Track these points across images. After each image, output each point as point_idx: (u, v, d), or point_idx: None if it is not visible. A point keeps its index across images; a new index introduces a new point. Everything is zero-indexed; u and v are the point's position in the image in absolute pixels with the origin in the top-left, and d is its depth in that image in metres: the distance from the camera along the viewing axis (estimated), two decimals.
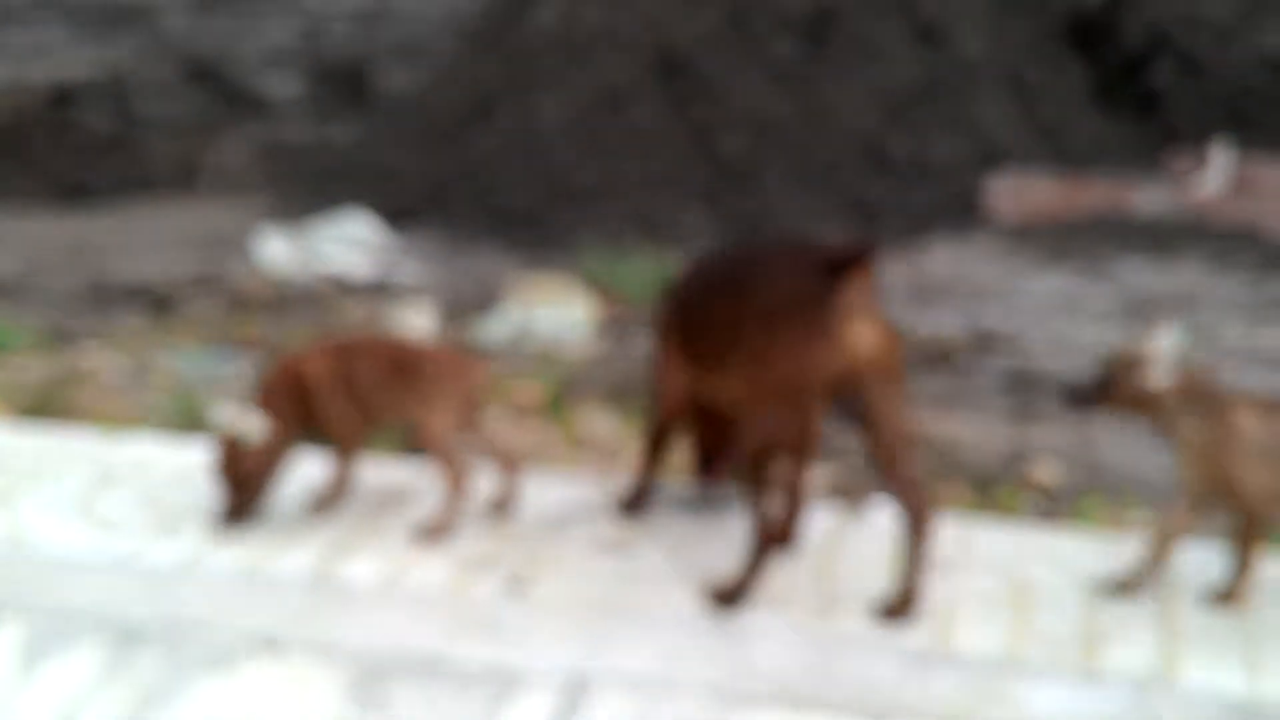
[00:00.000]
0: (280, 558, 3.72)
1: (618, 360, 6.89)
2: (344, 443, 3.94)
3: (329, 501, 3.99)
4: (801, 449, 3.46)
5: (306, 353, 3.96)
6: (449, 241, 9.83)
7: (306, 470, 4.18)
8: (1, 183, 11.00)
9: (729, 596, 3.47)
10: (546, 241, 9.82)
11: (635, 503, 4.05)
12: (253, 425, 3.78)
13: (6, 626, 3.46)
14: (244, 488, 3.84)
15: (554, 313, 7.66)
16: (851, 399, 3.36)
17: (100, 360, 6.04)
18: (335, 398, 3.84)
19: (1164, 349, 3.42)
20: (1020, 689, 3.13)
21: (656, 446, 3.99)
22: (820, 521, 4.01)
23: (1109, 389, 3.47)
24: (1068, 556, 3.76)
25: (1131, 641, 3.32)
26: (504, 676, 3.21)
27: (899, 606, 3.41)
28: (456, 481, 3.86)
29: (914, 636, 3.34)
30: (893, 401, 3.37)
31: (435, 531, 3.83)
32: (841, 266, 3.28)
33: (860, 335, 3.30)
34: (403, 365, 3.88)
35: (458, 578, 3.62)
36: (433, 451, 3.86)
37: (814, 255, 3.33)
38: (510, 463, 4.04)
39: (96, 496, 4.13)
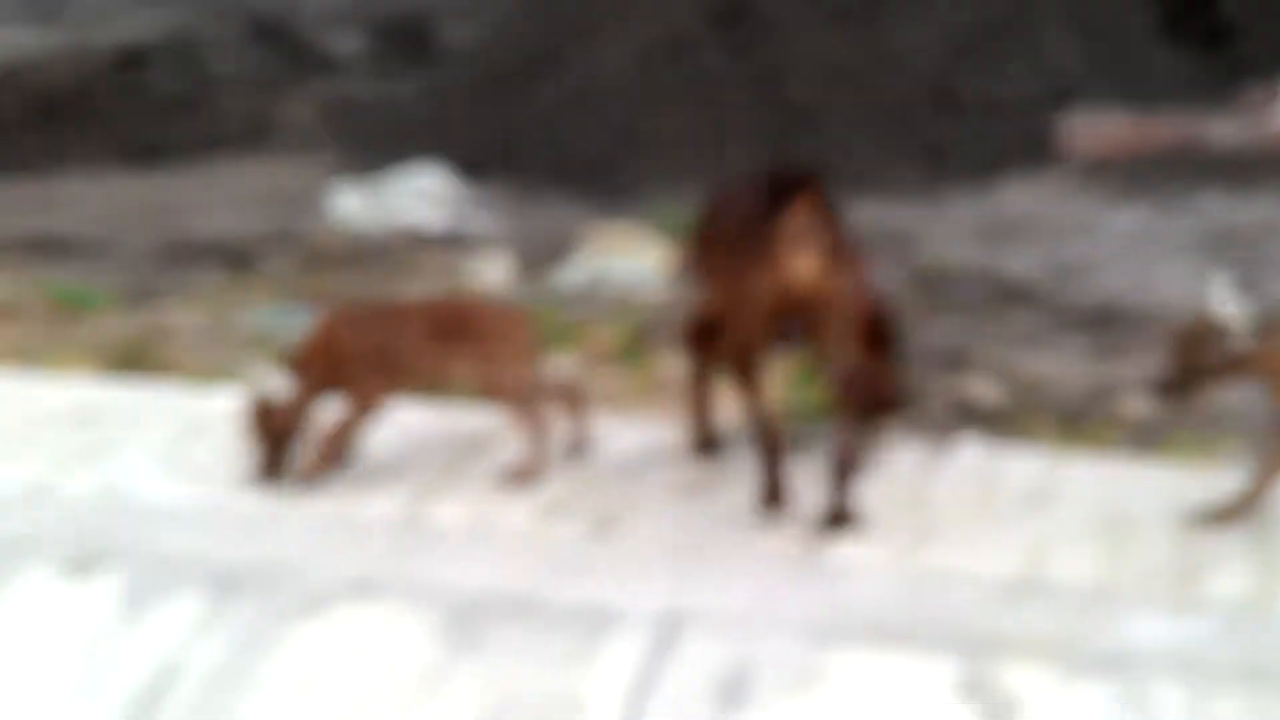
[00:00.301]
0: (368, 503, 3.77)
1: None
2: (362, 402, 3.92)
3: (330, 453, 3.95)
4: (742, 368, 3.62)
5: (342, 315, 4.03)
6: (518, 193, 9.82)
7: (402, 417, 4.22)
8: (74, 145, 11.11)
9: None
10: (616, 190, 9.80)
11: (706, 444, 4.08)
12: (277, 385, 3.83)
13: (106, 576, 3.53)
14: (273, 445, 3.89)
15: (626, 261, 7.66)
16: (800, 324, 3.48)
17: (180, 317, 6.11)
18: (364, 363, 3.87)
19: (1231, 312, 3.35)
20: (1116, 620, 3.11)
21: (700, 384, 4.09)
22: (909, 457, 3.99)
23: (1195, 372, 3.39)
24: (1159, 488, 3.73)
25: (1227, 572, 3.29)
26: (595, 616, 3.23)
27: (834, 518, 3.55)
28: (537, 427, 3.88)
29: (1008, 568, 3.32)
30: (838, 331, 3.43)
31: (523, 475, 3.86)
32: (782, 196, 3.36)
33: (799, 264, 3.37)
34: (449, 327, 3.93)
35: (542, 521, 3.64)
36: (508, 403, 3.89)
37: (762, 185, 3.48)
38: (577, 404, 4.07)
39: (186, 447, 4.19)
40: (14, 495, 3.86)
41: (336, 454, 3.93)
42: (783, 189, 3.40)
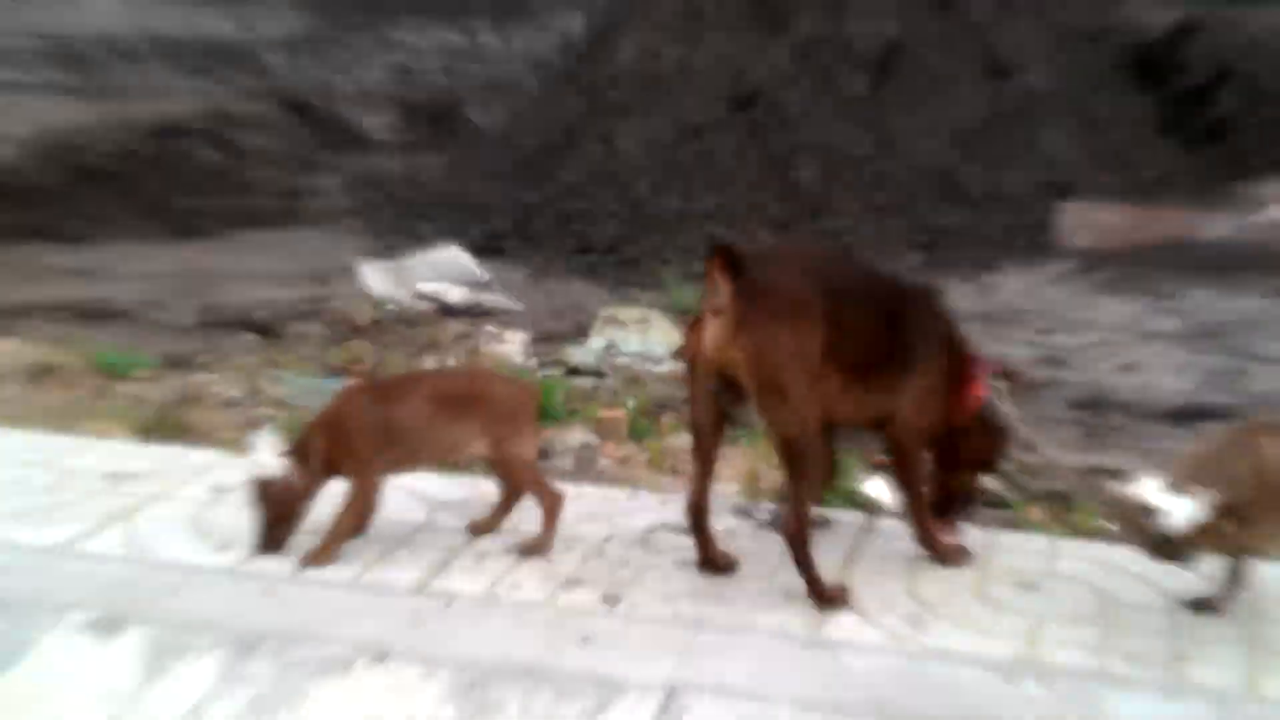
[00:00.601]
0: (386, 571, 3.87)
1: None
2: (365, 483, 3.97)
3: (331, 547, 3.98)
4: (694, 444, 3.84)
5: (347, 398, 4.08)
6: (536, 269, 10.03)
7: (420, 485, 4.34)
8: (115, 215, 11.37)
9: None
10: (629, 269, 10.00)
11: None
12: (280, 470, 3.91)
13: (129, 635, 3.63)
14: (274, 522, 3.96)
15: (638, 338, 7.81)
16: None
17: (212, 384, 6.27)
18: (370, 439, 3.93)
19: (1158, 496, 3.41)
20: (1108, 699, 3.20)
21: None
22: (907, 538, 4.11)
23: (1174, 542, 3.44)
24: (1149, 573, 3.81)
25: (1216, 656, 3.38)
26: (603, 686, 3.33)
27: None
28: (553, 504, 4.01)
29: (1004, 649, 3.42)
30: (754, 399, 3.57)
31: (532, 548, 3.98)
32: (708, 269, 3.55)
33: (705, 333, 3.57)
34: (457, 400, 4.00)
35: (554, 592, 3.74)
36: (525, 479, 4.01)
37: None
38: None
39: (212, 511, 4.32)
40: (44, 554, 3.97)
41: (337, 547, 3.96)
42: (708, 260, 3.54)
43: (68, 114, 16.53)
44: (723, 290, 3.50)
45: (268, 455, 3.92)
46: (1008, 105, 12.04)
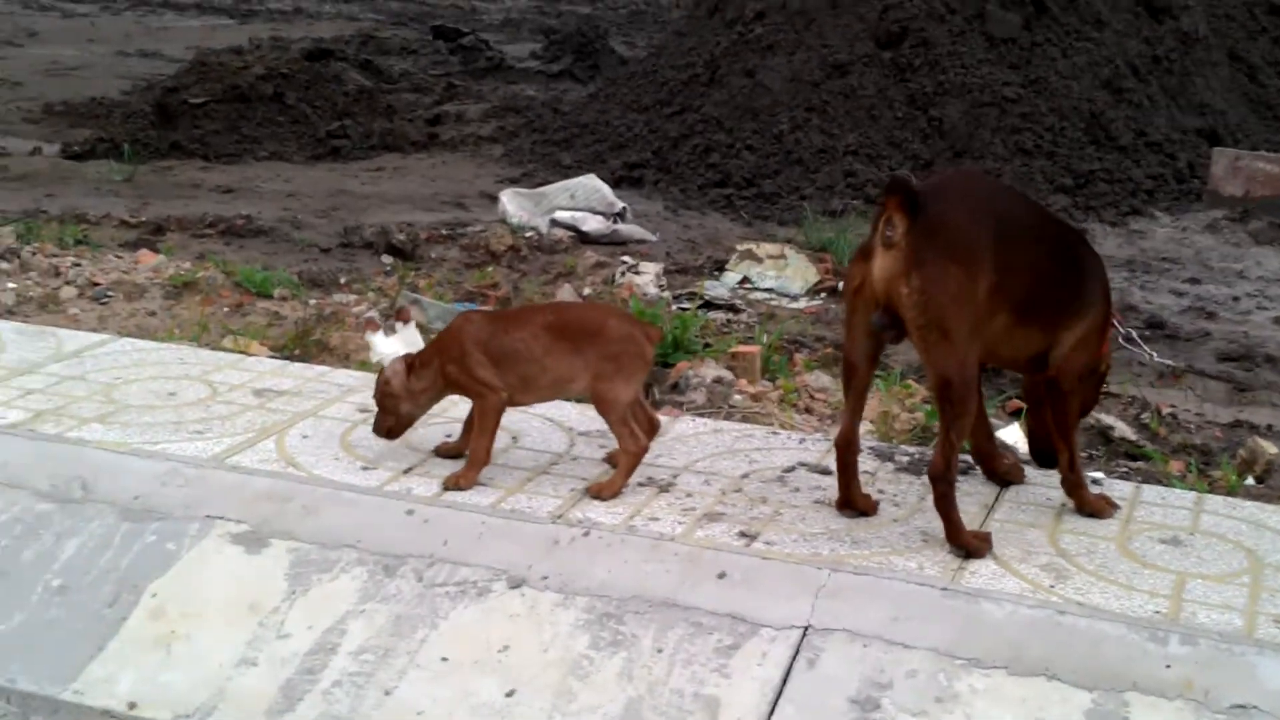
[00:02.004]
0: (526, 498, 3.91)
1: (835, 324, 6.97)
2: (480, 408, 4.02)
3: (473, 468, 4.03)
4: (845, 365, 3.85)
5: (466, 319, 4.12)
6: (674, 201, 10.01)
7: (564, 413, 4.38)
8: (263, 135, 11.59)
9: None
10: (768, 204, 9.93)
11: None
12: (396, 371, 4.05)
13: (275, 548, 3.74)
14: (391, 416, 4.11)
15: (774, 276, 7.77)
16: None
17: (352, 305, 6.37)
18: (482, 364, 3.96)
19: None
20: (1256, 663, 3.13)
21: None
22: (1049, 484, 4.05)
23: None
24: None
25: None
26: (738, 623, 3.34)
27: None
28: (634, 454, 3.98)
29: (1146, 606, 3.36)
30: (915, 336, 3.56)
31: (599, 492, 3.95)
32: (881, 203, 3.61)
33: (875, 265, 3.54)
34: (573, 334, 3.97)
35: (692, 527, 3.75)
36: (612, 420, 3.97)
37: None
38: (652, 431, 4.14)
39: (357, 431, 4.40)
40: (197, 466, 4.08)
41: (477, 471, 4.00)
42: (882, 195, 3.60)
43: (222, 36, 16.88)
44: (898, 225, 3.47)
45: (395, 346, 4.02)
46: (1162, 48, 11.68)
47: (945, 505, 3.63)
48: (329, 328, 5.91)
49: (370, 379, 4.78)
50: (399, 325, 4.64)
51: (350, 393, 4.77)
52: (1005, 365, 4.17)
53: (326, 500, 3.90)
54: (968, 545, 3.62)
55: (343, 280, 7.04)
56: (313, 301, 6.44)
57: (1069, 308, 3.74)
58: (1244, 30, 12.82)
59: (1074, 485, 3.92)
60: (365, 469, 4.09)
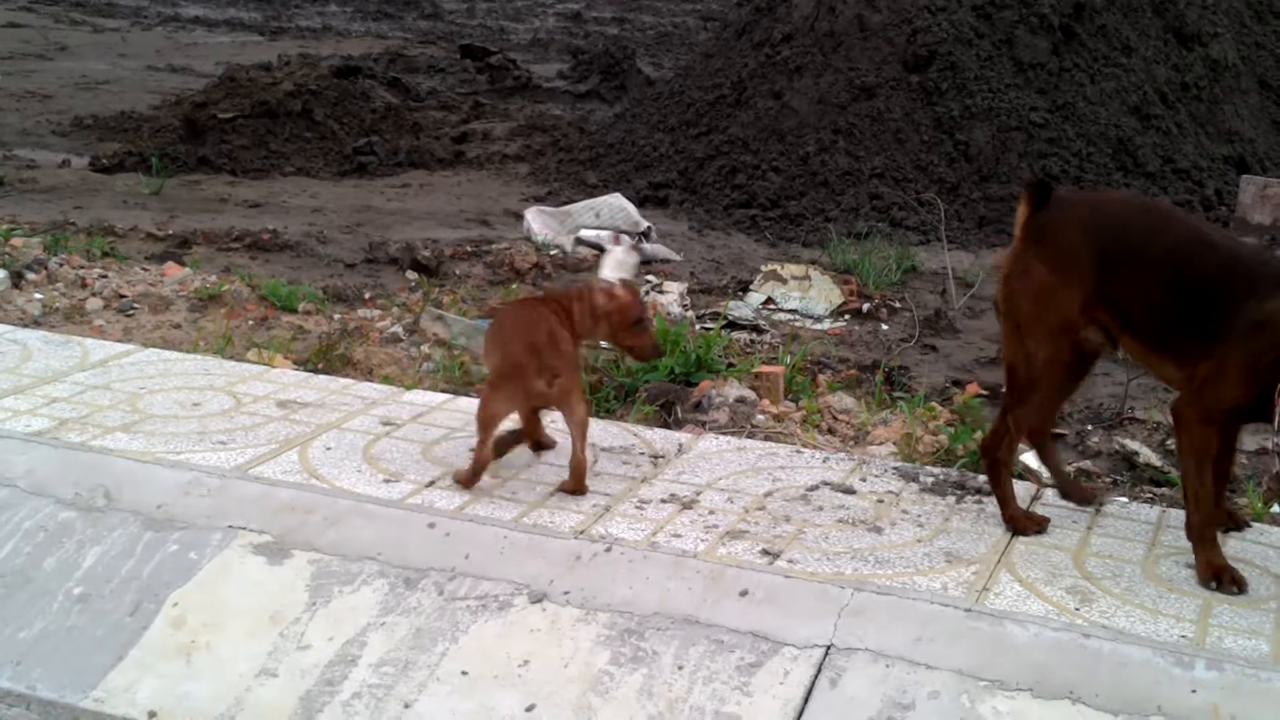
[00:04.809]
0: (549, 513, 3.91)
1: (859, 345, 6.95)
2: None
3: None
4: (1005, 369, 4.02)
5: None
6: (699, 221, 10.01)
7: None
8: (291, 150, 11.65)
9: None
10: (793, 226, 9.92)
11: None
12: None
13: (297, 560, 3.74)
14: None
15: (798, 297, 7.76)
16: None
17: (376, 320, 6.38)
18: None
19: None
20: None
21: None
22: (1073, 507, 4.03)
23: None
24: None
25: None
26: (760, 641, 3.32)
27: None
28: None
29: (1173, 629, 3.33)
30: (1000, 318, 3.87)
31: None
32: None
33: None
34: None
35: (715, 544, 3.74)
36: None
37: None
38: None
39: (380, 445, 4.40)
40: (220, 476, 4.09)
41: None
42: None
43: (251, 53, 16.97)
44: (1019, 218, 3.72)
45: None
46: (1191, 75, 11.64)
47: (992, 481, 3.95)
48: (353, 342, 5.92)
49: (392, 392, 4.80)
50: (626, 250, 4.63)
51: (373, 405, 4.77)
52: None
53: (348, 512, 3.90)
54: (1017, 521, 3.85)
55: (367, 295, 7.06)
56: (337, 316, 6.45)
57: (1197, 345, 3.57)
58: (1274, 58, 12.78)
59: (1196, 532, 3.69)
60: (388, 481, 4.09)
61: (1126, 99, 11.06)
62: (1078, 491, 4.17)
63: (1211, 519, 3.67)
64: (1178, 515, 4.08)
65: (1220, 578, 3.57)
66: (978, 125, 10.59)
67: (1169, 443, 5.34)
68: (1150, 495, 4.67)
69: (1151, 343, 3.68)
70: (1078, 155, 10.58)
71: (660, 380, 5.47)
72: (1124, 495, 4.43)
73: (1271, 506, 4.65)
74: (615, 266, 4.20)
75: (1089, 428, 5.51)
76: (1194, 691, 3.09)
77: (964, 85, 10.76)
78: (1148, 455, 5.12)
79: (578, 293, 4.18)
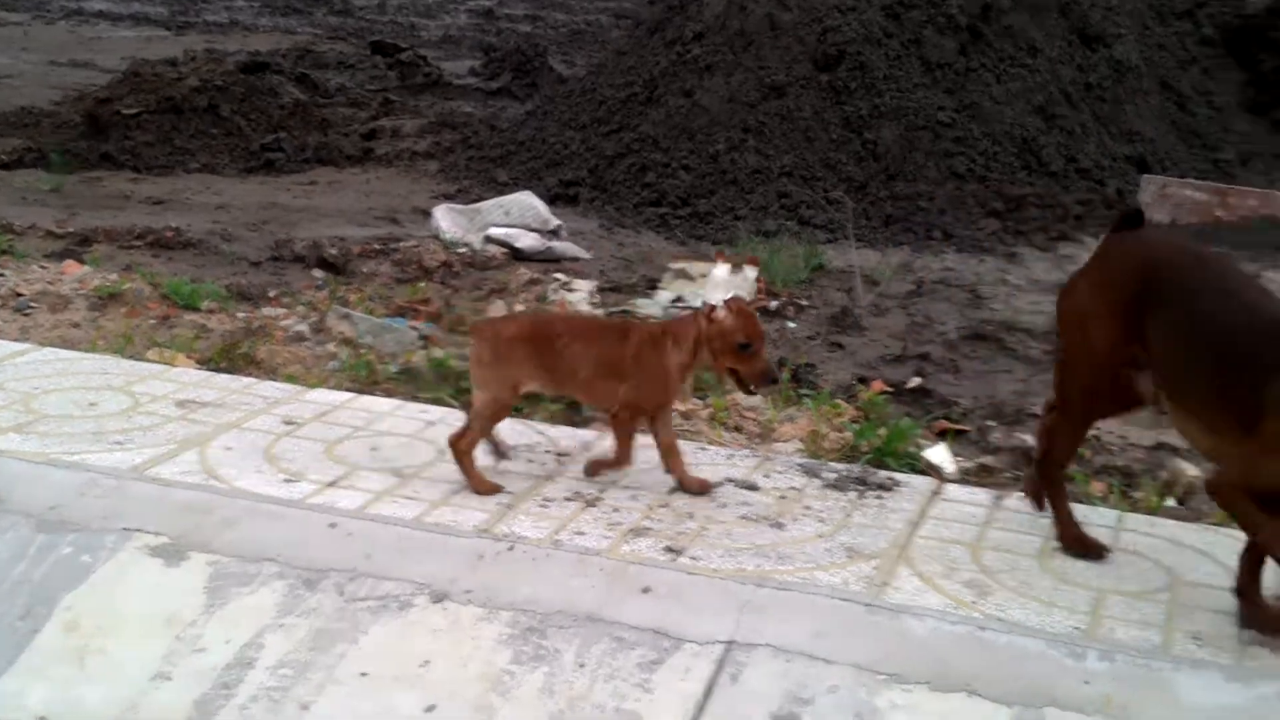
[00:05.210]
0: (451, 512, 3.88)
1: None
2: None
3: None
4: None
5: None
6: (609, 219, 10.01)
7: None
8: (196, 147, 11.49)
9: None
10: (703, 224, 9.95)
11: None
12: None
13: (194, 561, 3.68)
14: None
15: (707, 294, 7.77)
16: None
17: (279, 318, 6.31)
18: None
19: None
20: (1172, 679, 3.15)
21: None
22: (972, 501, 4.08)
23: None
24: (1216, 552, 3.76)
25: None
26: (661, 638, 3.32)
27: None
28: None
29: (1067, 621, 3.38)
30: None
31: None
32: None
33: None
34: None
35: (618, 542, 3.74)
36: None
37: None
38: None
39: (281, 444, 4.35)
40: (117, 477, 4.02)
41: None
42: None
43: (157, 47, 16.71)
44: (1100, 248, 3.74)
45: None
46: (1094, 76, 11.85)
47: (1049, 494, 3.88)
48: (257, 341, 5.84)
49: (295, 391, 4.75)
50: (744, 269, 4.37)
51: (276, 404, 4.72)
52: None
53: (248, 513, 3.85)
54: (1077, 542, 3.79)
55: (272, 294, 6.97)
56: (241, 315, 6.37)
57: (1228, 413, 3.27)
58: (1175, 60, 13.04)
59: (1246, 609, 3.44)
60: (289, 481, 4.05)
61: (1031, 99, 11.22)
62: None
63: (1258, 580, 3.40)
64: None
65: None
66: (886, 124, 10.69)
67: None
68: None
69: (1176, 398, 3.45)
70: (984, 154, 10.72)
71: None
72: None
73: (1164, 500, 4.75)
74: (719, 285, 4.05)
75: (990, 423, 5.58)
76: (1087, 682, 3.14)
77: (873, 84, 10.85)
78: None
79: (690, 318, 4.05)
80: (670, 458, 4.09)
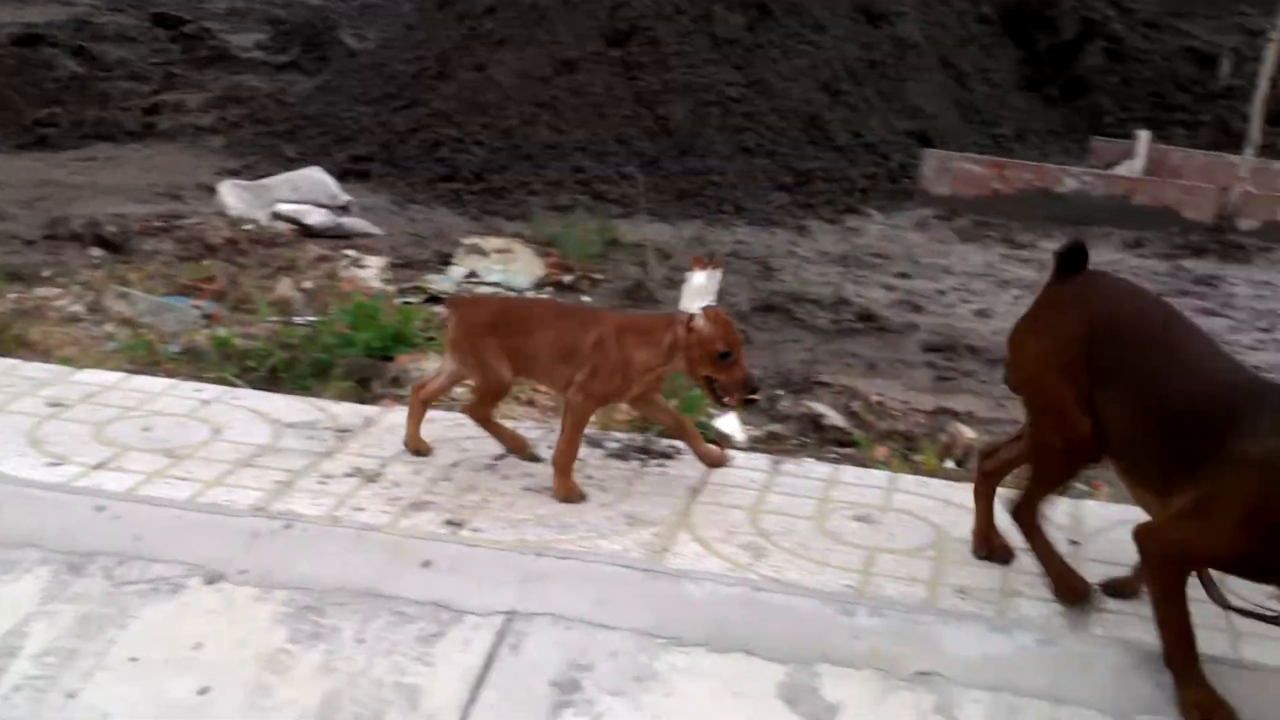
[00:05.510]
0: (225, 491, 3.80)
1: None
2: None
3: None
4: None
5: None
6: (401, 195, 9.90)
7: (269, 404, 4.25)
8: None
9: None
10: (496, 199, 9.92)
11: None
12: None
13: None
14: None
15: (501, 270, 7.75)
16: None
17: (55, 299, 6.08)
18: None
19: None
20: (938, 631, 3.27)
21: None
22: (752, 468, 4.15)
23: None
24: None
25: (1045, 591, 3.46)
26: (441, 610, 3.31)
27: None
28: None
29: (839, 579, 3.47)
30: None
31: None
32: None
33: None
34: None
35: (396, 516, 3.71)
36: None
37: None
38: None
39: (47, 427, 4.19)
40: None
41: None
42: None
43: None
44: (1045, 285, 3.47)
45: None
46: (878, 53, 12.16)
47: (1030, 542, 3.52)
48: (30, 323, 5.62)
49: (63, 373, 4.59)
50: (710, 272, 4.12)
51: (42, 386, 4.54)
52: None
53: (9, 497, 3.71)
54: (1067, 589, 3.43)
55: (46, 274, 6.72)
56: (13, 296, 6.11)
57: (1172, 465, 3.04)
58: (955, 38, 13.45)
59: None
60: (53, 465, 3.90)
61: (818, 75, 11.45)
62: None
63: (1193, 658, 3.05)
64: (850, 472, 4.27)
65: None
66: (676, 99, 10.79)
67: (853, 405, 5.58)
68: (835, 455, 4.86)
69: (1131, 472, 3.24)
70: (771, 129, 10.91)
71: (357, 355, 5.39)
72: (812, 457, 4.58)
73: (944, 462, 4.91)
74: (697, 293, 3.91)
75: (779, 392, 5.69)
76: (857, 638, 3.23)
77: (663, 60, 10.94)
78: (833, 418, 5.33)
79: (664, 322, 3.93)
80: (689, 438, 4.16)
